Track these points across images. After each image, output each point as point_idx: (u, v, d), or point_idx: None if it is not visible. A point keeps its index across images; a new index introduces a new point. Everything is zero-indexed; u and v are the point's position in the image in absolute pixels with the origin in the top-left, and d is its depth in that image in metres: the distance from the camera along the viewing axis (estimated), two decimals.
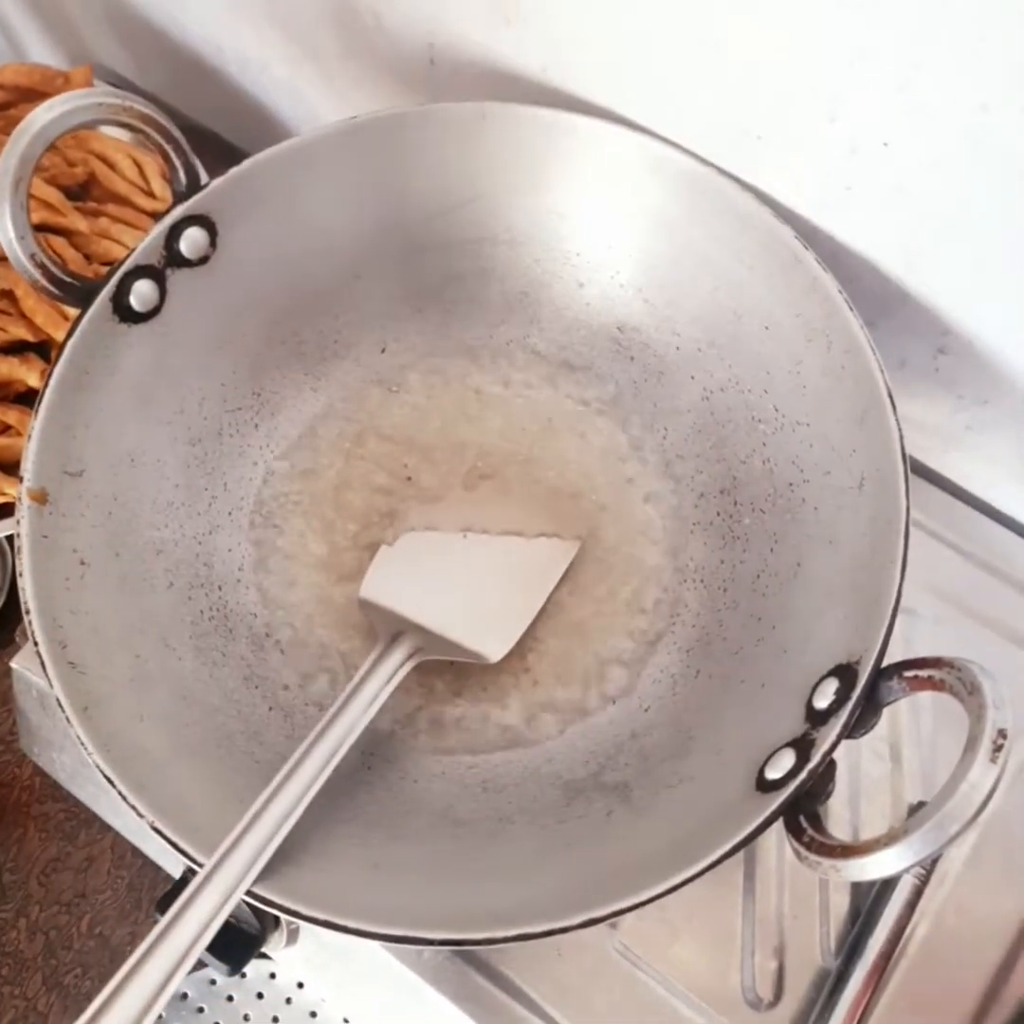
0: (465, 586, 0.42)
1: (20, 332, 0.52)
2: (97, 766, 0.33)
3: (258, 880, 0.31)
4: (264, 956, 0.45)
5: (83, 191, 0.56)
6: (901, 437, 0.35)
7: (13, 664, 0.47)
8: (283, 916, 0.31)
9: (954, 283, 0.39)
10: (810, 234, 0.39)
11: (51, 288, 0.37)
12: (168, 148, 0.39)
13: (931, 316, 0.41)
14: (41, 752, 0.51)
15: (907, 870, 0.27)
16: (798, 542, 0.39)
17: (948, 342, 0.41)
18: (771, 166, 0.39)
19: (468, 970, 0.41)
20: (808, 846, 0.30)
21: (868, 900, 0.41)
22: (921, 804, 0.43)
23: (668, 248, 0.43)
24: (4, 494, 0.49)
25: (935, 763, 0.44)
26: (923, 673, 0.30)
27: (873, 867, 0.27)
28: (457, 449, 0.46)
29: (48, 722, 0.49)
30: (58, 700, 0.33)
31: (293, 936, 0.43)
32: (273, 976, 0.49)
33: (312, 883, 0.32)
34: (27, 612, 0.34)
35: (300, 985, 0.48)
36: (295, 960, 0.47)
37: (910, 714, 0.45)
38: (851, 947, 0.40)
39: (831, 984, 0.40)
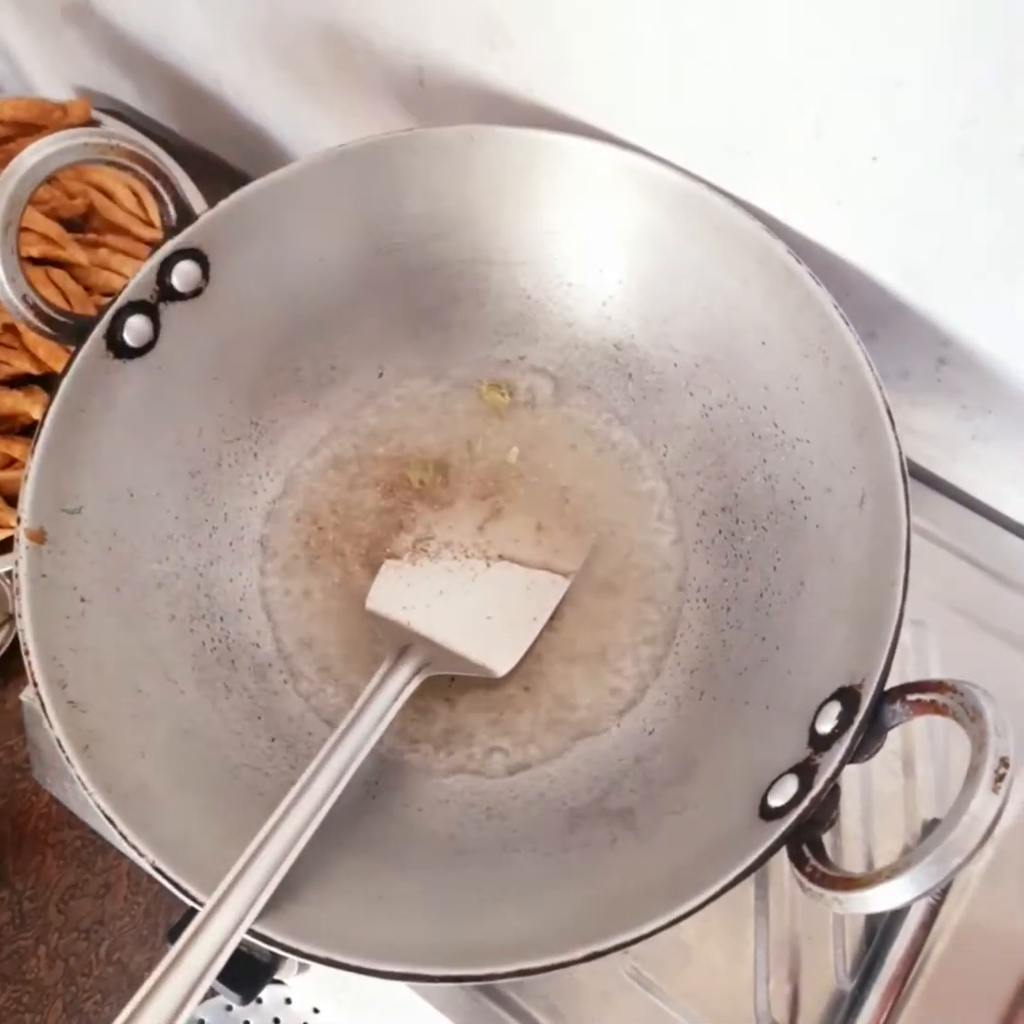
0: (469, 601, 0.42)
1: (24, 365, 0.52)
2: (98, 806, 0.33)
3: (260, 917, 0.31)
4: (279, 982, 0.45)
5: (83, 222, 0.57)
6: (901, 454, 0.34)
7: (23, 697, 0.47)
8: (285, 954, 0.31)
9: (952, 293, 0.38)
10: (803, 248, 0.39)
11: (43, 327, 0.38)
12: (156, 183, 0.39)
13: (930, 326, 0.40)
14: (54, 782, 0.51)
15: (910, 903, 0.27)
16: (801, 560, 0.39)
17: (949, 352, 0.41)
18: (760, 182, 0.39)
19: (480, 996, 0.40)
20: (811, 877, 0.29)
21: (883, 920, 0.40)
22: (936, 821, 0.42)
23: (661, 265, 0.42)
24: (10, 527, 0.49)
25: (949, 777, 0.43)
26: (926, 697, 0.30)
27: (875, 900, 0.27)
28: (462, 465, 0.46)
29: (60, 753, 0.49)
30: (58, 740, 0.34)
31: (305, 964, 0.43)
32: (289, 1001, 0.49)
33: (314, 918, 0.32)
34: (27, 653, 0.35)
35: (316, 1010, 0.48)
36: (311, 986, 0.47)
37: (923, 727, 0.44)
38: (867, 968, 0.39)
39: (847, 1007, 0.39)
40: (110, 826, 0.32)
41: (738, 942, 0.41)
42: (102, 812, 0.32)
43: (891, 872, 0.27)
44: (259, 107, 0.60)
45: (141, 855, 0.32)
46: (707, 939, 0.41)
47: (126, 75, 0.67)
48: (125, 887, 0.55)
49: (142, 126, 0.65)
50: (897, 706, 0.31)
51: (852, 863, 0.42)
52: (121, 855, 0.55)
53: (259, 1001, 0.49)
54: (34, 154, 0.35)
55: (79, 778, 0.33)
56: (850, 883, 0.28)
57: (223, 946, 0.31)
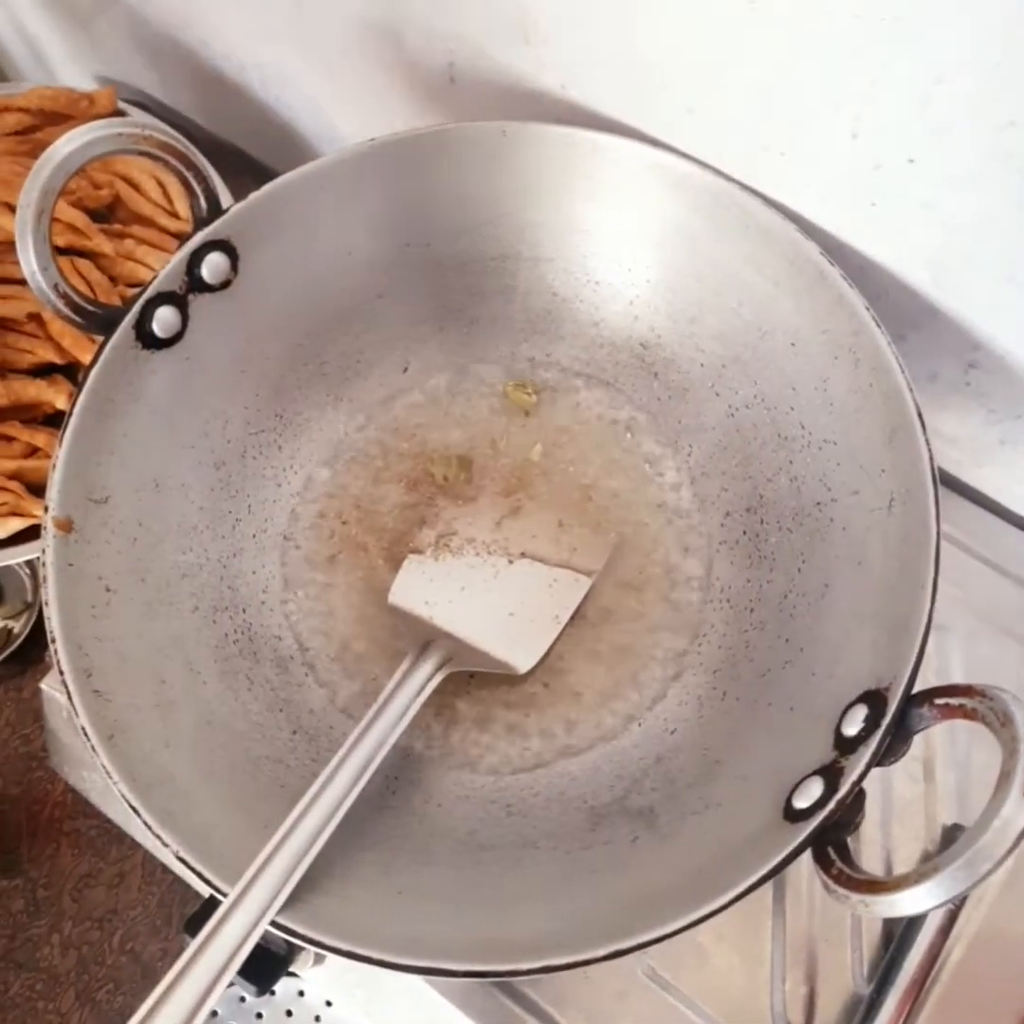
0: (491, 598, 0.42)
1: (48, 355, 0.52)
2: (123, 795, 0.33)
3: (282, 909, 0.31)
4: (293, 974, 0.45)
5: (109, 212, 0.57)
6: (931, 457, 0.34)
7: (42, 685, 0.48)
8: (307, 946, 0.31)
9: (983, 298, 0.38)
10: (835, 249, 0.39)
11: (74, 317, 0.38)
12: (188, 174, 0.39)
13: (961, 331, 0.40)
14: (72, 771, 0.51)
15: (937, 908, 0.27)
16: (826, 562, 0.39)
17: (979, 357, 0.40)
18: (794, 182, 0.38)
19: (495, 993, 0.40)
20: (836, 879, 0.29)
21: (901, 924, 0.40)
22: (956, 826, 0.42)
23: (691, 264, 0.42)
24: (34, 516, 0.50)
25: (970, 783, 0.43)
26: (954, 701, 0.30)
27: (902, 904, 0.27)
28: (485, 462, 0.46)
29: (78, 742, 0.49)
30: (83, 729, 0.34)
31: (321, 957, 0.43)
32: (302, 994, 0.49)
33: (336, 911, 0.32)
34: (53, 641, 0.35)
35: (328, 1004, 0.48)
36: (324, 979, 0.47)
37: (944, 732, 0.44)
38: (884, 972, 0.39)
39: (864, 1010, 0.39)
40: (135, 816, 0.32)
41: (755, 943, 0.41)
42: (127, 802, 0.32)
43: (919, 876, 0.27)
44: (284, 98, 0.60)
45: (165, 845, 0.32)
46: (723, 940, 0.41)
47: (151, 65, 0.67)
48: (139, 877, 0.55)
49: (166, 117, 0.65)
50: (924, 710, 0.31)
51: (871, 867, 0.41)
52: (136, 845, 0.55)
53: (272, 993, 0.49)
54: (68, 143, 0.35)
55: (104, 767, 0.33)
56: (877, 886, 0.28)
57: (246, 937, 0.31)
